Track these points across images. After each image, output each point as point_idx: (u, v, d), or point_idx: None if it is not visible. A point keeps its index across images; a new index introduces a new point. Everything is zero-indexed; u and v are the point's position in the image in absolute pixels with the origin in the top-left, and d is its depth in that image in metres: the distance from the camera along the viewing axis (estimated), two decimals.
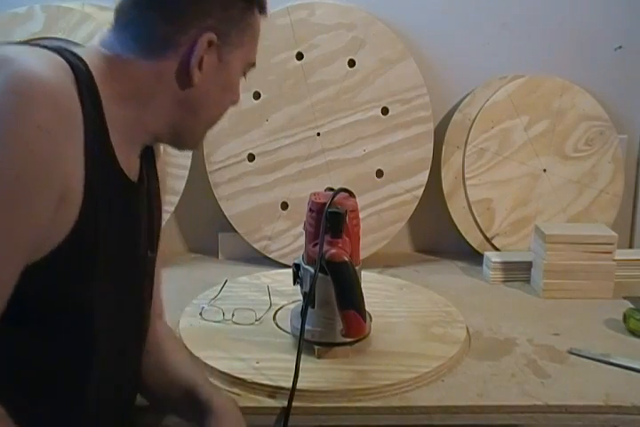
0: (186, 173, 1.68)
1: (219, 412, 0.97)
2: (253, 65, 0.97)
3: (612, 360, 1.23)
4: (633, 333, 1.34)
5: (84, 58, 0.84)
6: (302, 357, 1.10)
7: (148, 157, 0.99)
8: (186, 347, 1.20)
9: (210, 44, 0.88)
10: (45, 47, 0.83)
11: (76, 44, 0.86)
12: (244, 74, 0.97)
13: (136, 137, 0.91)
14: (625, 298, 1.51)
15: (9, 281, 0.76)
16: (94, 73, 0.83)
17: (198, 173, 1.71)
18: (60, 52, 0.82)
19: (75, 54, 0.84)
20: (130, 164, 0.91)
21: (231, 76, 0.94)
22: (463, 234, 1.75)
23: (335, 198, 1.17)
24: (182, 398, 1.01)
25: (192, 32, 0.87)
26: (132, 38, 0.87)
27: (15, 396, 0.79)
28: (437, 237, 1.82)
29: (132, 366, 1.00)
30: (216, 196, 1.70)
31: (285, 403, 1.07)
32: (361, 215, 1.23)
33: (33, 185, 0.74)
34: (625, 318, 1.37)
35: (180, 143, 0.97)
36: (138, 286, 0.98)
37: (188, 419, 1.02)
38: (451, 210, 1.74)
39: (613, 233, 1.54)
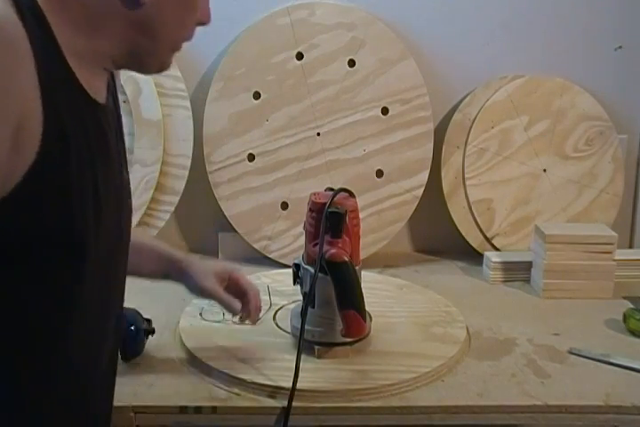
0: (186, 173, 1.68)
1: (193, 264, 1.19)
2: None
3: (612, 360, 1.23)
4: (633, 333, 1.34)
5: None
6: (302, 357, 1.11)
7: (111, 85, 0.96)
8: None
9: None
10: None
11: None
12: None
13: (97, 62, 0.87)
14: (625, 298, 1.51)
15: None
16: (39, 1, 0.79)
17: (198, 173, 1.71)
18: None
19: None
20: (95, 88, 0.87)
21: None
22: (463, 234, 1.75)
23: (335, 198, 1.17)
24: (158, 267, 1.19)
25: None
26: None
27: None
28: (437, 237, 1.82)
29: (114, 314, 0.97)
30: (216, 196, 1.70)
31: (285, 403, 1.07)
32: (361, 215, 1.23)
33: None
34: (625, 318, 1.37)
35: (143, 68, 0.92)
36: (121, 208, 0.94)
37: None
38: (451, 210, 1.74)
39: (613, 233, 1.54)
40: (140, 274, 1.18)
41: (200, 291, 1.19)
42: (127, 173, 0.98)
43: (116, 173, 0.92)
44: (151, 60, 0.90)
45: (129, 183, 0.99)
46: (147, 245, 1.21)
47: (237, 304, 1.19)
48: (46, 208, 0.78)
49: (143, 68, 0.93)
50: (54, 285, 0.81)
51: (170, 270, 1.20)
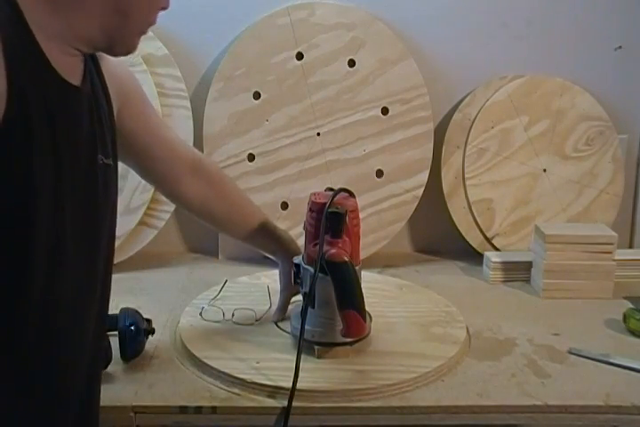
0: None
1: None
2: None
3: (611, 360, 1.23)
4: (633, 333, 1.34)
5: None
6: (302, 357, 1.10)
7: (92, 66, 0.97)
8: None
9: None
10: None
11: None
12: None
13: (71, 43, 0.88)
14: (625, 298, 1.51)
15: None
16: None
17: None
18: None
19: None
20: (68, 70, 0.88)
21: None
22: (463, 234, 1.75)
23: (335, 198, 1.17)
24: (256, 231, 1.34)
25: None
26: None
27: None
28: (437, 237, 1.82)
29: (92, 295, 0.96)
30: None
31: (285, 403, 1.07)
32: (361, 215, 1.23)
33: None
34: (625, 318, 1.37)
35: (114, 50, 0.94)
36: (91, 193, 0.93)
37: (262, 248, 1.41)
38: (451, 210, 1.74)
39: (613, 233, 1.54)
40: (249, 243, 1.39)
41: (288, 287, 1.33)
42: (110, 158, 0.97)
43: (87, 157, 0.92)
44: (123, 42, 0.93)
45: (112, 170, 0.99)
46: (257, 217, 1.36)
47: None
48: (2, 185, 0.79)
49: (114, 50, 0.95)
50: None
51: (277, 252, 1.36)
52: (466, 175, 1.72)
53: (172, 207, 1.68)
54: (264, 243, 1.37)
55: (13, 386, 0.85)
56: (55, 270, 0.86)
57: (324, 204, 1.17)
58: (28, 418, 0.87)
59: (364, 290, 1.15)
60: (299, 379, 1.08)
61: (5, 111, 0.77)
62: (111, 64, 1.04)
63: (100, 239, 0.96)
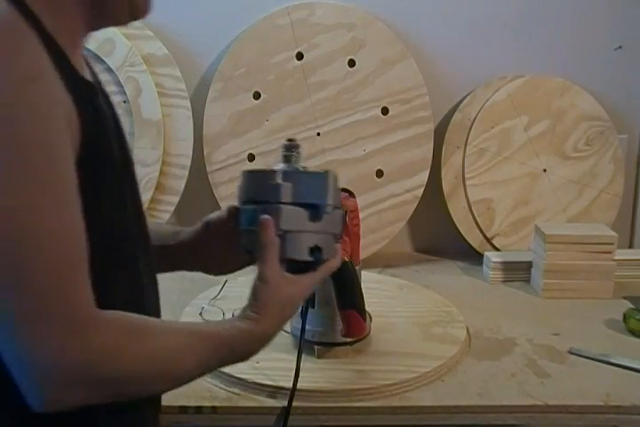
0: (186, 173, 1.68)
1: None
2: None
3: (611, 360, 1.23)
4: (633, 333, 1.34)
5: None
6: (302, 357, 1.10)
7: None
8: None
9: None
10: None
11: None
12: None
13: (73, 32, 0.81)
14: (625, 298, 1.51)
15: (81, 221, 0.72)
16: None
17: (198, 173, 1.71)
18: None
19: None
20: (79, 66, 0.82)
21: None
22: (463, 234, 1.75)
23: None
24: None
25: None
26: None
27: None
28: (437, 237, 1.82)
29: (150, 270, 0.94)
30: (216, 196, 1.70)
31: (285, 403, 1.07)
32: (361, 215, 1.23)
33: (54, 130, 0.71)
34: (625, 318, 1.37)
35: (114, 14, 0.84)
36: (135, 187, 0.91)
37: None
38: (451, 210, 1.74)
39: (613, 233, 1.54)
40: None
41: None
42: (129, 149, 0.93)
43: (125, 154, 0.89)
44: (117, 4, 0.82)
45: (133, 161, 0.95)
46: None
47: None
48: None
49: (115, 15, 0.84)
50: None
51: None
52: (466, 175, 1.72)
53: (172, 207, 1.68)
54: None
55: None
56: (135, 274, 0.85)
57: None
58: None
59: (364, 290, 1.15)
60: (299, 379, 1.08)
61: (80, 126, 0.74)
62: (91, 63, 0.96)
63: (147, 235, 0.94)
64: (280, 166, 0.93)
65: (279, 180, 0.89)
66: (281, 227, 0.87)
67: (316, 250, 0.90)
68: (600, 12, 1.73)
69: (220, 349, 0.84)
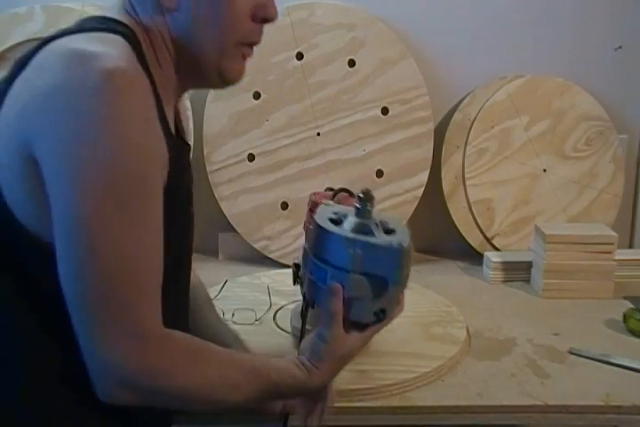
0: None
1: None
2: None
3: (611, 360, 1.23)
4: (633, 333, 1.34)
5: (130, 27, 0.85)
6: None
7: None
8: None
9: None
10: (98, 29, 0.83)
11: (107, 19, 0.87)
12: None
13: (170, 88, 0.90)
14: (625, 298, 1.51)
15: (162, 251, 0.81)
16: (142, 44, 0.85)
17: (198, 173, 1.70)
18: (114, 30, 0.83)
19: (123, 25, 0.85)
20: (170, 119, 0.90)
21: None
22: (463, 234, 1.75)
23: (335, 198, 1.17)
24: None
25: None
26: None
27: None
28: (437, 237, 1.82)
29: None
30: (216, 196, 1.70)
31: None
32: None
33: (155, 174, 0.80)
34: (625, 318, 1.37)
35: (204, 79, 0.92)
36: (189, 244, 1.01)
37: None
38: (451, 210, 1.74)
39: (613, 233, 1.54)
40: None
41: None
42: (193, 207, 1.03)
43: (186, 208, 1.00)
44: (204, 68, 0.89)
45: (193, 217, 1.06)
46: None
47: None
48: None
49: (206, 80, 0.92)
50: None
51: None
52: (466, 175, 1.72)
53: None
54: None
55: None
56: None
57: None
58: None
59: None
60: None
61: (167, 181, 0.83)
62: (185, 112, 1.06)
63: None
64: (353, 220, 0.91)
65: (351, 248, 0.88)
66: (347, 295, 0.89)
67: (380, 312, 0.91)
68: (600, 12, 1.73)
69: (271, 391, 0.88)
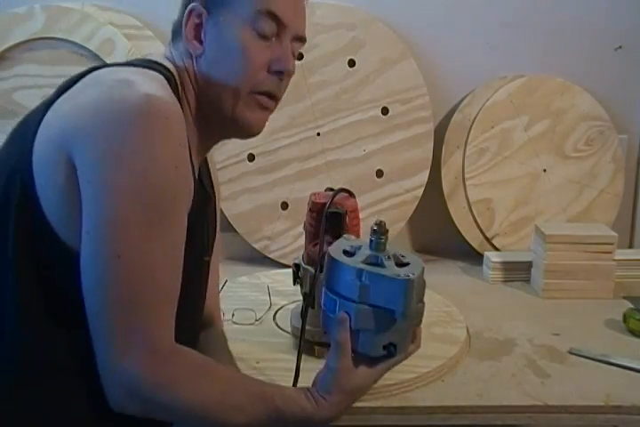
0: None
1: None
2: (271, 20, 0.94)
3: (611, 360, 1.23)
4: (633, 333, 1.34)
5: (171, 71, 0.93)
6: (302, 357, 1.10)
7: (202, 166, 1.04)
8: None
9: (195, 13, 0.92)
10: (141, 65, 0.90)
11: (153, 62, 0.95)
12: (263, 35, 0.95)
13: (192, 137, 0.94)
14: (625, 298, 1.51)
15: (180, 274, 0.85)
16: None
17: None
18: (157, 70, 0.90)
19: (165, 68, 0.92)
20: (195, 167, 0.95)
21: (228, 38, 0.92)
22: (463, 234, 1.75)
23: (335, 198, 1.17)
24: None
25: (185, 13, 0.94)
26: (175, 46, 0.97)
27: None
28: (437, 237, 1.82)
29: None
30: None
31: None
32: (361, 215, 1.23)
33: (183, 197, 0.84)
34: (625, 318, 1.37)
35: (227, 129, 0.98)
36: (195, 288, 1.00)
37: None
38: (451, 210, 1.74)
39: (613, 233, 1.54)
40: None
41: None
42: (209, 257, 1.05)
43: (202, 257, 1.01)
44: (220, 112, 0.94)
45: (208, 265, 1.06)
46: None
47: None
48: None
49: (223, 133, 1.00)
50: None
51: None
52: (466, 175, 1.72)
53: None
54: None
55: None
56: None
57: (324, 204, 1.16)
58: None
59: None
60: (299, 379, 1.08)
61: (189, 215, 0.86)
62: (214, 168, 1.11)
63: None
64: (366, 252, 0.91)
65: (359, 279, 0.89)
66: (355, 326, 0.89)
67: (390, 346, 0.90)
68: (600, 12, 1.73)
69: (276, 419, 0.87)
